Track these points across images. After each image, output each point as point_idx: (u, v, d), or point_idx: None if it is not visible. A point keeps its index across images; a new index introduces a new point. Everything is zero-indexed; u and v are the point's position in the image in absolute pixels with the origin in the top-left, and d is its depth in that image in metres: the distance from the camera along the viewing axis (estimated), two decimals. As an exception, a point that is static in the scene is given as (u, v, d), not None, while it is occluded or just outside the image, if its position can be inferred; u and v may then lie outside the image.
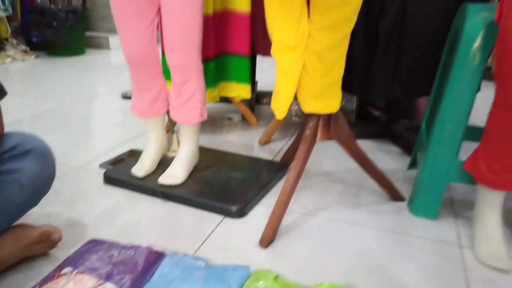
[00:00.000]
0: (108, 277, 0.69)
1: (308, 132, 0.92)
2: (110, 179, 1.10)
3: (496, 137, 0.79)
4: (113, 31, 3.46)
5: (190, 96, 1.01)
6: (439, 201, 0.94)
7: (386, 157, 1.33)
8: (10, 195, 0.72)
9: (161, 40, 1.01)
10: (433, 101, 1.09)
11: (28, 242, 0.76)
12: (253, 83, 1.60)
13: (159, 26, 0.99)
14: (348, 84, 1.38)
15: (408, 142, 1.33)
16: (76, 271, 0.71)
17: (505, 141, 0.78)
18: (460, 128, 0.89)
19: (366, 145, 1.41)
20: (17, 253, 0.75)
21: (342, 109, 1.58)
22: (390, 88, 1.27)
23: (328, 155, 1.32)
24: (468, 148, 0.94)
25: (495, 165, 0.80)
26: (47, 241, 0.78)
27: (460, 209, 1.01)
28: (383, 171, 1.03)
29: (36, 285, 0.69)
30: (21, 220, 0.77)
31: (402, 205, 1.03)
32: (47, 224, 0.80)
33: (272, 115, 1.53)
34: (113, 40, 3.41)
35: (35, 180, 0.75)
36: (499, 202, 0.84)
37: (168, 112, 1.11)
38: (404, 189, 1.08)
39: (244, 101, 1.59)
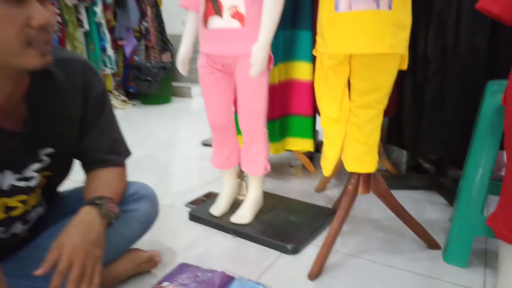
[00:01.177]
0: (193, 292, 0.96)
1: (350, 187, 1.13)
2: (193, 217, 1.40)
3: (510, 199, 0.93)
4: (194, 81, 3.97)
5: (256, 154, 1.29)
6: (468, 252, 1.08)
7: (431, 208, 1.47)
8: (131, 227, 1.03)
9: (236, 110, 1.31)
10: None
11: (139, 262, 1.06)
12: (315, 136, 1.84)
13: (235, 100, 1.29)
14: (399, 141, 1.57)
15: (453, 194, 1.45)
16: (172, 285, 0.99)
17: (518, 203, 0.92)
18: (483, 189, 1.04)
19: (414, 196, 1.56)
20: (132, 269, 1.05)
21: (393, 161, 1.75)
22: (434, 146, 1.43)
23: (377, 206, 1.48)
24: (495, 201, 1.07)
25: (510, 223, 0.94)
26: (151, 262, 1.07)
27: (492, 260, 1.12)
28: (421, 221, 1.19)
29: (144, 293, 0.98)
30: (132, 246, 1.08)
31: (438, 253, 1.17)
32: (152, 249, 1.10)
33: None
34: (194, 89, 3.91)
35: (147, 217, 1.06)
36: (518, 255, 0.96)
37: (239, 164, 1.39)
38: (443, 239, 1.22)
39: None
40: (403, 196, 1.54)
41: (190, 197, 1.58)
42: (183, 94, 3.98)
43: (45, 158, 0.89)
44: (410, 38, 1.38)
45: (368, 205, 1.49)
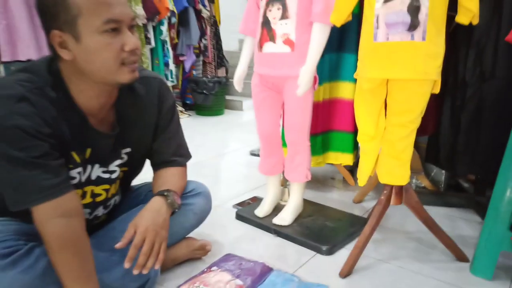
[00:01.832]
0: (238, 276, 1.12)
1: (383, 197, 1.24)
2: (239, 216, 1.57)
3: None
4: (246, 96, 4.20)
5: (299, 164, 1.44)
6: (494, 265, 1.15)
7: (465, 224, 1.52)
8: (188, 218, 1.21)
9: (282, 124, 1.47)
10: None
11: (193, 249, 1.24)
12: (356, 151, 1.95)
13: (282, 115, 1.46)
14: (436, 159, 1.65)
15: (489, 214, 1.50)
16: (219, 269, 1.16)
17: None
18: (510, 206, 1.11)
19: (450, 213, 1.62)
20: (186, 254, 1.23)
21: (432, 179, 1.82)
22: (469, 165, 1.50)
23: (411, 219, 1.57)
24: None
25: (533, 239, 1.01)
26: (203, 250, 1.25)
27: (519, 276, 1.18)
28: (454, 236, 1.27)
29: (196, 274, 1.15)
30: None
31: (465, 265, 1.24)
32: (203, 239, 1.28)
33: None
34: (246, 103, 4.14)
35: (202, 211, 1.24)
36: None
37: (283, 172, 1.55)
38: (473, 253, 1.29)
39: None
40: (439, 213, 1.61)
41: (237, 200, 1.76)
42: (235, 107, 4.22)
43: (125, 156, 1.10)
44: (451, 64, 1.49)
45: (403, 218, 1.57)
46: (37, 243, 0.92)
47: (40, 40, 2.62)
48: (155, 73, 1.17)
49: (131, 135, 1.08)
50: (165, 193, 1.06)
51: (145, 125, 1.11)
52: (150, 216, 1.00)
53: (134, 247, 0.94)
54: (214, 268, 1.17)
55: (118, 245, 0.94)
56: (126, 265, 0.92)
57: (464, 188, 1.78)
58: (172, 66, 3.63)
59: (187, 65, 3.89)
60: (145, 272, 0.95)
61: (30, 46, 2.55)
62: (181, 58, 3.82)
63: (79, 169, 0.98)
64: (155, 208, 1.03)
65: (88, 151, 0.98)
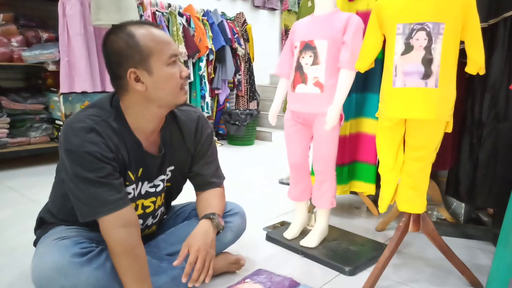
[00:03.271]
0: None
1: (401, 224, 1.37)
2: (270, 238, 1.72)
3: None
4: (276, 127, 4.42)
5: (326, 191, 1.59)
6: (505, 290, 1.24)
7: (483, 255, 1.61)
8: (226, 235, 1.38)
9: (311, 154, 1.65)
10: None
11: (229, 262, 1.40)
12: (378, 182, 2.09)
13: (311, 147, 1.63)
14: (456, 192, 1.76)
15: (505, 246, 1.59)
16: (252, 281, 1.31)
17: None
18: (518, 236, 1.22)
19: (468, 244, 1.71)
20: (224, 267, 1.40)
21: (452, 212, 1.92)
22: (487, 199, 1.61)
23: (431, 247, 1.68)
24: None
25: (538, 266, 1.11)
26: (238, 264, 1.41)
27: (530, 303, 1.26)
28: (470, 265, 1.37)
29: (232, 285, 1.31)
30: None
31: (479, 291, 1.34)
32: (238, 254, 1.44)
33: (389, 209, 1.97)
34: (275, 134, 4.35)
35: (238, 229, 1.41)
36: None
37: (310, 199, 1.70)
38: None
39: (369, 195, 2.08)
40: (458, 243, 1.70)
41: (267, 223, 1.92)
42: (265, 138, 4.43)
43: (169, 173, 1.30)
44: (469, 106, 1.63)
45: (423, 247, 1.68)
46: (104, 247, 1.12)
47: (94, 75, 2.95)
48: (195, 107, 1.40)
49: (174, 156, 1.29)
50: (211, 216, 1.25)
51: (185, 149, 1.32)
52: (201, 237, 1.18)
53: (189, 265, 1.12)
54: (248, 280, 1.33)
55: (175, 263, 1.13)
56: (184, 279, 1.11)
57: (483, 221, 1.86)
58: (208, 99, 3.92)
59: (222, 98, 4.17)
60: (197, 285, 1.13)
61: (86, 80, 2.88)
62: (216, 92, 4.10)
63: (133, 186, 1.19)
64: (204, 230, 1.21)
65: (141, 170, 1.19)
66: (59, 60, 2.81)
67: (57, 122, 2.98)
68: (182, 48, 3.54)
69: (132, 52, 1.06)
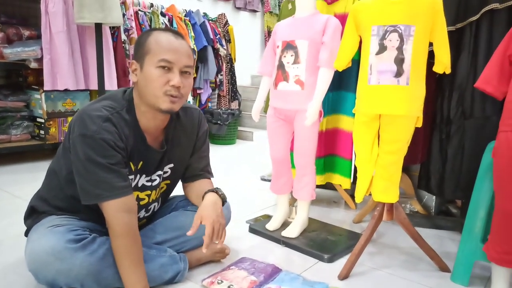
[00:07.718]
0: (252, 273, 1.34)
1: (376, 213, 1.47)
2: (252, 230, 1.79)
3: (496, 229, 1.23)
4: (257, 127, 4.50)
5: (306, 184, 1.68)
6: (469, 273, 1.35)
7: (451, 243, 1.73)
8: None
9: (291, 149, 1.73)
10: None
11: (214, 251, 1.46)
12: (354, 177, 2.19)
13: (292, 141, 1.71)
14: (427, 186, 1.87)
15: (472, 234, 1.71)
16: (237, 268, 1.38)
17: (502, 232, 1.21)
18: (481, 222, 1.33)
19: (439, 234, 1.83)
20: (209, 256, 1.45)
21: (423, 204, 2.04)
22: (454, 191, 1.73)
23: (403, 237, 1.78)
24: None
25: (498, 248, 1.22)
26: (222, 253, 1.48)
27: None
28: (440, 252, 1.47)
29: (218, 271, 1.37)
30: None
31: (447, 274, 1.44)
32: (224, 244, 1.50)
33: (365, 202, 2.07)
34: (256, 134, 4.42)
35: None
36: (505, 275, 1.23)
37: (291, 192, 1.78)
38: (454, 266, 1.49)
39: (347, 189, 2.18)
40: (429, 233, 1.81)
41: (250, 217, 1.99)
42: (247, 137, 4.50)
43: (168, 170, 1.36)
44: (438, 104, 1.74)
45: (396, 236, 1.78)
46: (96, 235, 1.17)
47: (77, 73, 2.95)
48: (195, 106, 1.46)
49: (175, 153, 1.35)
50: (216, 189, 1.33)
51: (186, 146, 1.39)
52: (212, 209, 1.25)
53: (208, 237, 1.20)
54: (233, 267, 1.39)
55: (189, 233, 1.20)
56: (204, 250, 1.19)
57: (452, 213, 1.99)
58: (190, 99, 3.95)
59: (204, 98, 4.22)
60: (219, 246, 1.26)
61: (68, 78, 2.88)
62: (198, 91, 4.15)
63: (132, 177, 1.24)
64: (213, 201, 1.28)
65: (141, 163, 1.25)
66: (41, 58, 2.80)
67: (38, 120, 2.97)
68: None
69: (138, 47, 1.19)
